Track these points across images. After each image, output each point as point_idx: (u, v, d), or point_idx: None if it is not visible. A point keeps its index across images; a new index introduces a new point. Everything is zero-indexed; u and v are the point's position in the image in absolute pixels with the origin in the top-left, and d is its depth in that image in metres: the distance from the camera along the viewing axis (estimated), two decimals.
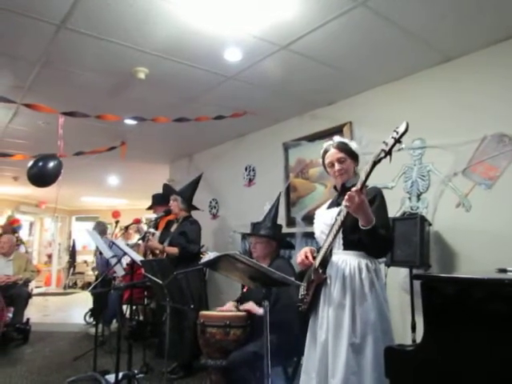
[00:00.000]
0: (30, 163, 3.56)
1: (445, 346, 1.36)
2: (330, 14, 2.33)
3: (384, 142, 1.65)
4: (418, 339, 1.49)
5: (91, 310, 5.70)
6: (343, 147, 2.05)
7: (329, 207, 2.10)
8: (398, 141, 1.62)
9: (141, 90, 3.36)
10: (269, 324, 1.79)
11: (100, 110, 3.58)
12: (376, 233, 1.75)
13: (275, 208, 3.12)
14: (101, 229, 5.99)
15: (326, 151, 2.10)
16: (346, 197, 1.68)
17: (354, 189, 1.68)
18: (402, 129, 1.62)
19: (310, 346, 1.97)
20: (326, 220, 1.98)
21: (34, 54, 2.74)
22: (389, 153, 1.64)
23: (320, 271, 1.89)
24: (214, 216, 5.18)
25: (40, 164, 3.50)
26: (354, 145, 2.08)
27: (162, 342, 3.35)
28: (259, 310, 2.59)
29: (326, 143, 2.13)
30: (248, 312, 2.65)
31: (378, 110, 3.29)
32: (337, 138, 2.13)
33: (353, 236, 1.87)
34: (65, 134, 3.54)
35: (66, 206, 11.86)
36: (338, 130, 3.51)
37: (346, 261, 1.90)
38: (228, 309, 2.81)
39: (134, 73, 2.99)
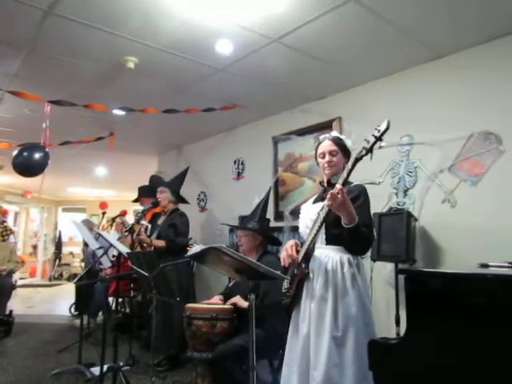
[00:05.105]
0: (16, 152, 3.50)
1: (427, 339, 1.38)
2: (322, 8, 2.33)
3: (365, 140, 1.68)
4: (403, 333, 1.51)
5: (75, 303, 5.65)
6: (338, 141, 2.07)
7: (314, 202, 2.11)
8: (379, 139, 1.64)
9: (130, 79, 3.32)
10: (256, 318, 1.79)
11: (88, 99, 3.52)
12: (358, 231, 1.77)
13: (264, 202, 3.11)
14: (88, 226, 5.89)
15: (320, 142, 2.11)
16: (328, 195, 1.70)
17: (336, 186, 1.70)
18: (383, 127, 1.65)
19: (293, 339, 1.98)
20: (311, 215, 1.99)
21: (21, 39, 2.68)
22: (370, 150, 1.68)
23: (303, 265, 1.91)
24: (202, 209, 5.16)
25: (25, 154, 3.43)
26: (348, 142, 2.10)
27: (149, 334, 3.35)
28: (244, 303, 2.60)
29: (322, 135, 2.15)
30: (234, 305, 2.66)
31: (367, 105, 3.30)
32: (334, 133, 2.16)
33: (335, 231, 1.89)
34: (51, 122, 3.48)
35: (52, 196, 11.70)
36: (328, 125, 3.52)
37: (328, 255, 1.92)
38: (214, 302, 2.82)
39: (123, 62, 2.95)
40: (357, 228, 1.75)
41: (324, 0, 2.25)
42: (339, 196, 1.67)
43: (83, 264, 5.21)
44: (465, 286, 1.35)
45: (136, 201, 4.98)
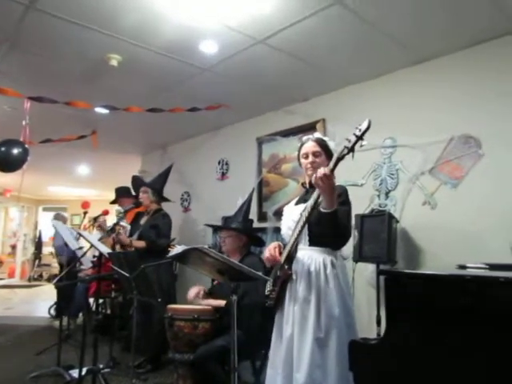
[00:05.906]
0: None
1: (406, 340, 1.40)
2: (308, 10, 2.34)
3: (347, 139, 1.69)
4: (383, 333, 1.52)
5: (56, 304, 5.53)
6: (321, 142, 2.08)
7: (297, 203, 2.11)
8: (360, 138, 1.66)
9: (113, 77, 3.27)
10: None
11: (70, 96, 3.46)
12: (336, 217, 1.78)
13: (247, 203, 3.11)
14: (62, 220, 5.82)
15: (303, 143, 2.12)
16: (319, 174, 1.68)
17: (325, 170, 1.69)
18: (364, 126, 1.67)
19: (277, 341, 1.98)
20: (293, 216, 1.99)
21: (1, 34, 2.62)
22: (351, 149, 1.69)
23: (286, 267, 1.91)
24: (186, 209, 5.13)
25: (3, 149, 3.35)
26: (332, 144, 2.11)
27: (130, 335, 3.30)
28: (219, 303, 2.63)
29: (305, 137, 2.16)
30: (212, 306, 2.66)
31: (351, 108, 3.32)
32: (317, 134, 2.17)
33: (317, 230, 1.90)
34: (32, 120, 3.40)
35: (32, 195, 11.45)
36: (312, 127, 3.53)
37: (311, 257, 1.93)
38: (195, 292, 2.82)
39: (106, 59, 2.91)
40: (335, 213, 1.76)
41: (309, 2, 2.27)
42: (329, 178, 1.68)
43: (57, 260, 5.10)
44: (443, 287, 1.36)
45: (114, 202, 4.90)
